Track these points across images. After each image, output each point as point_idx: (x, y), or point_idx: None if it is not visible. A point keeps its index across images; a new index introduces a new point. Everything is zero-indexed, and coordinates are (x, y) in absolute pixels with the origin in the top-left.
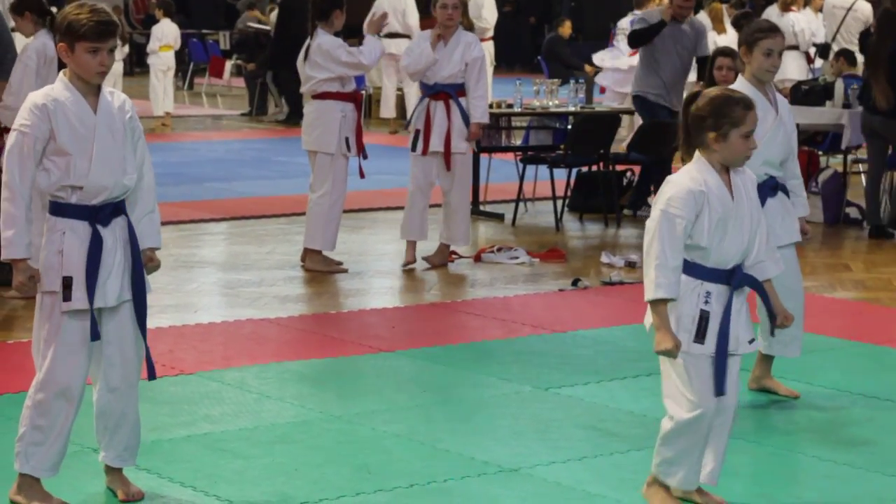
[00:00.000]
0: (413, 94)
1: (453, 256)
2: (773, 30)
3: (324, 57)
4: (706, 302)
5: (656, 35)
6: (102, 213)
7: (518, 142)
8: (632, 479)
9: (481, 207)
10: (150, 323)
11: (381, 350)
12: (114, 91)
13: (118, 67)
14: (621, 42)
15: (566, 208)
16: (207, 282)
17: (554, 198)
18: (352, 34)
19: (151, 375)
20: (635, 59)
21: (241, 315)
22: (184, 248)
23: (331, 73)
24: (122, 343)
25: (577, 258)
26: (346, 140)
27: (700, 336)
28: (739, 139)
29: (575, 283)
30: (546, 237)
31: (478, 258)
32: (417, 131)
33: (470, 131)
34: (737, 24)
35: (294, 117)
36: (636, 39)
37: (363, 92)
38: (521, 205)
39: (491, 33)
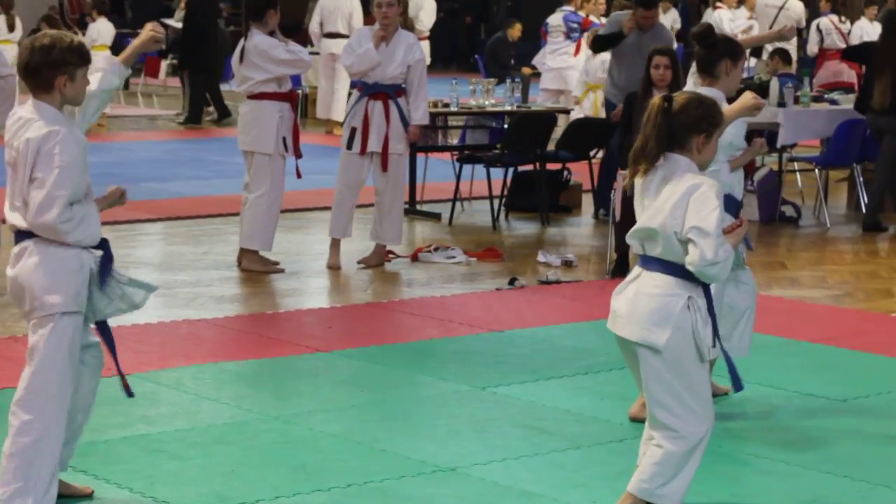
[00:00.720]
0: (343, 91)
1: (390, 256)
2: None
3: (261, 57)
4: (693, 307)
5: (617, 43)
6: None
7: (454, 141)
8: (569, 478)
9: (418, 207)
10: None
11: (318, 350)
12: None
13: None
14: (556, 38)
15: (503, 207)
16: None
17: (491, 197)
18: (287, 33)
19: (129, 394)
20: (572, 59)
21: (178, 315)
22: (120, 248)
23: (269, 74)
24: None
25: (513, 257)
26: (284, 140)
27: (713, 343)
28: (716, 140)
29: (512, 282)
30: (483, 236)
31: (414, 258)
32: (354, 129)
33: (409, 132)
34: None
35: (221, 117)
36: (598, 44)
37: (299, 91)
38: (458, 204)
39: (426, 33)
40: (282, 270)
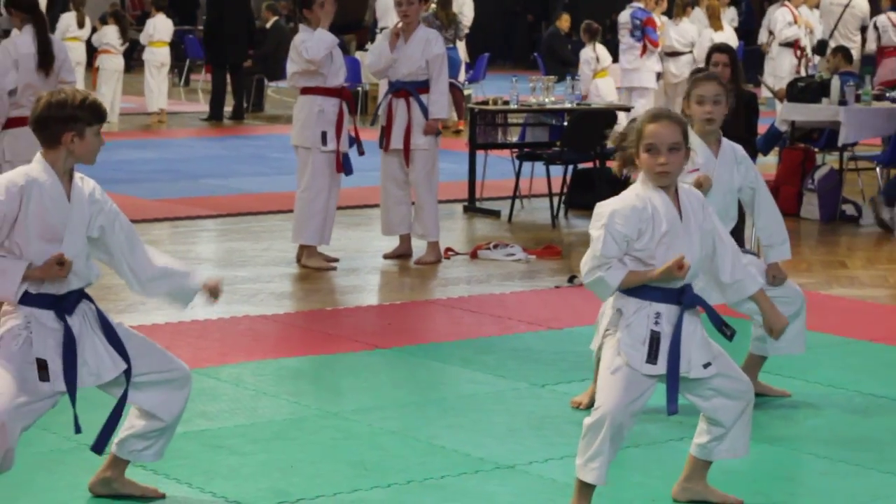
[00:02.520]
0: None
1: (449, 253)
2: (706, 78)
3: (294, 50)
4: (656, 322)
5: None
6: (67, 302)
7: (514, 138)
8: (627, 476)
9: (477, 204)
10: (147, 319)
11: (377, 346)
12: (83, 177)
13: (119, 63)
14: (623, 36)
15: (562, 205)
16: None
17: (550, 194)
18: (347, 31)
19: (98, 447)
20: (638, 59)
21: (238, 311)
22: (179, 244)
23: (297, 67)
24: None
25: (573, 255)
26: (324, 134)
27: (653, 357)
28: (644, 154)
29: (571, 279)
30: (542, 234)
31: (474, 255)
32: (382, 128)
33: (426, 126)
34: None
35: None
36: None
37: (359, 88)
38: (518, 201)
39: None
40: (334, 268)
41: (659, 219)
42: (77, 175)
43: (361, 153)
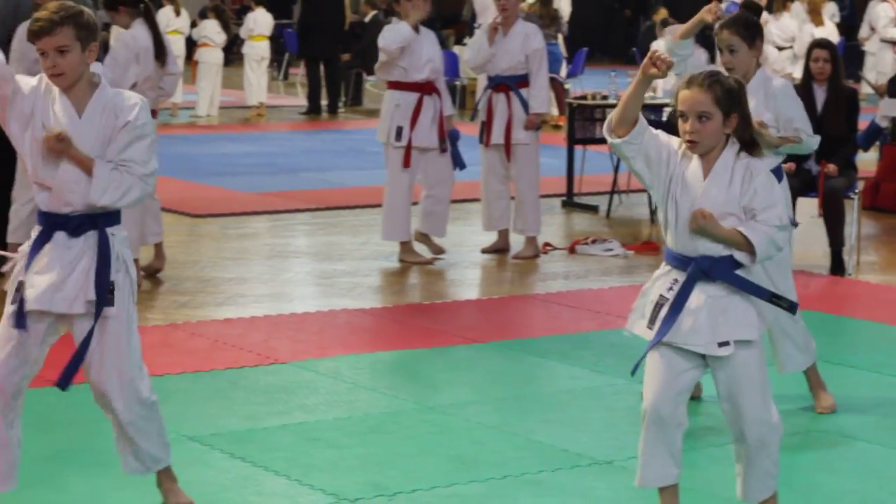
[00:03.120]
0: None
1: (547, 248)
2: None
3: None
4: (669, 289)
5: None
6: (70, 224)
7: None
8: (726, 473)
9: (575, 199)
10: (245, 312)
11: (474, 341)
12: (122, 92)
13: (218, 57)
14: None
15: None
16: (302, 271)
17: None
18: (446, 25)
19: (62, 383)
20: None
21: (336, 305)
22: (278, 237)
23: (381, 59)
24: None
25: None
26: (399, 130)
27: (651, 322)
28: (679, 120)
29: None
30: (640, 229)
31: (572, 250)
32: (482, 123)
33: (526, 121)
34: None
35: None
36: None
37: (457, 83)
38: (616, 196)
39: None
40: (431, 262)
41: (684, 167)
42: (111, 91)
43: (443, 150)
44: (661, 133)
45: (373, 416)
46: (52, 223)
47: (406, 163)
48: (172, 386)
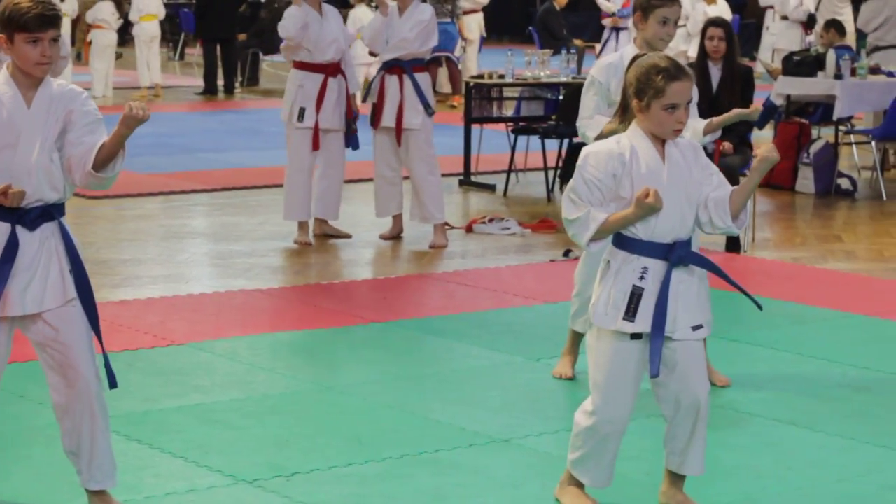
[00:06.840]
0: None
1: (445, 227)
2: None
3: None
4: (641, 278)
5: None
6: (27, 217)
7: (509, 112)
8: (622, 450)
9: (472, 178)
10: (141, 293)
11: (372, 321)
12: (64, 84)
13: (112, 39)
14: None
15: (558, 179)
16: (199, 252)
17: (545, 168)
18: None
19: (112, 384)
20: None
21: (233, 286)
22: (175, 218)
23: (285, 43)
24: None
25: None
26: (302, 111)
27: (630, 314)
28: (661, 111)
29: (566, 253)
30: (537, 208)
31: (469, 229)
32: (373, 105)
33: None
34: None
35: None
36: None
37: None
38: (513, 175)
39: (480, 7)
40: (309, 244)
41: (638, 162)
42: (55, 83)
43: (353, 131)
44: (593, 167)
45: (271, 396)
46: (9, 219)
47: (315, 145)
48: None
